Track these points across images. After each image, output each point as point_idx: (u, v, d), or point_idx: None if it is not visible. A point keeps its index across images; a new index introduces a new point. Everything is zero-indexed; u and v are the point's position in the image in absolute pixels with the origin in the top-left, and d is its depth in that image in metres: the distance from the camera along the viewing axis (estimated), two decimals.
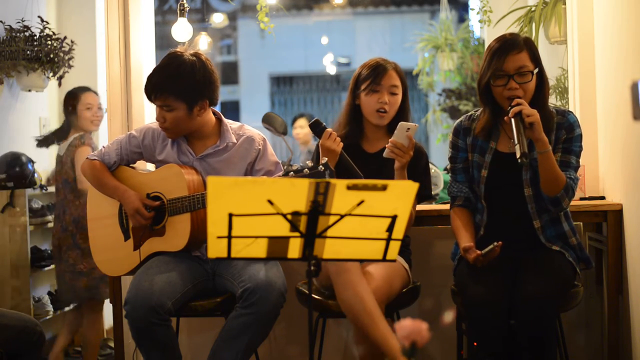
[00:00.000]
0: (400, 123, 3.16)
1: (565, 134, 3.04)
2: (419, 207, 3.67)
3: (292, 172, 2.92)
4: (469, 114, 3.22)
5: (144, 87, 3.24)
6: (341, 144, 3.18)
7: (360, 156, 3.30)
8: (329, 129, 3.21)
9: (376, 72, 3.31)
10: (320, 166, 2.86)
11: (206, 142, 3.30)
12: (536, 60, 3.03)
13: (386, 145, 3.17)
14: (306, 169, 2.88)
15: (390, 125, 3.35)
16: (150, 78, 3.21)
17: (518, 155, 2.81)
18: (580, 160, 3.08)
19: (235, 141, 3.29)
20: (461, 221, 3.13)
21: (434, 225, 3.62)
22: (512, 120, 2.88)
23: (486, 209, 3.11)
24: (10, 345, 3.01)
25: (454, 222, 3.16)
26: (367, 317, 2.91)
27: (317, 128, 3.22)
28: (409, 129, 3.14)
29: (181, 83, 3.14)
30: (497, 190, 3.10)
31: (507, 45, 3.01)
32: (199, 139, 3.30)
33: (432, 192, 3.78)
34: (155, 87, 3.17)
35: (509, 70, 2.99)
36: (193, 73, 3.16)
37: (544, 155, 2.90)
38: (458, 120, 3.23)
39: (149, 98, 3.23)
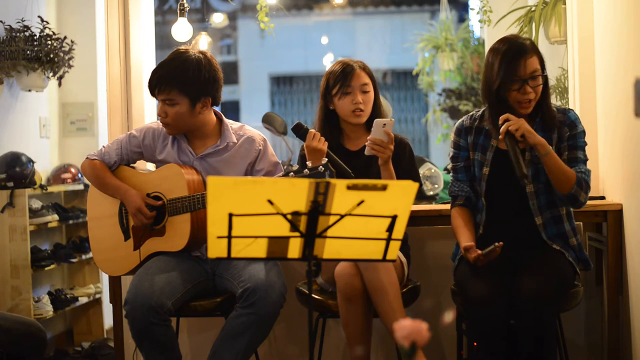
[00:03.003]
0: (375, 120, 3.18)
1: (569, 131, 3.06)
2: (419, 207, 3.68)
3: (292, 173, 2.92)
4: (471, 113, 3.23)
5: (147, 81, 3.24)
6: (326, 143, 3.18)
7: (344, 155, 3.30)
8: (312, 130, 3.21)
9: (344, 74, 3.32)
10: (320, 167, 2.86)
11: (206, 142, 3.30)
12: (543, 63, 3.06)
13: (366, 143, 3.18)
14: (306, 170, 2.88)
15: (368, 123, 3.36)
16: (155, 72, 3.22)
17: (519, 177, 2.87)
18: None
19: (236, 141, 3.29)
20: (462, 220, 3.13)
21: (434, 225, 3.62)
22: (507, 142, 2.93)
23: (486, 207, 3.11)
24: (12, 348, 3.02)
25: (454, 221, 3.16)
26: (387, 303, 2.99)
27: (299, 131, 3.22)
28: (385, 124, 3.15)
29: (186, 77, 3.16)
30: (499, 188, 3.11)
31: (519, 49, 3.00)
32: (199, 139, 3.30)
33: (432, 193, 3.77)
34: (160, 80, 3.17)
35: (524, 75, 3.00)
36: (199, 69, 3.17)
37: (546, 157, 2.93)
38: (460, 120, 3.24)
39: (152, 92, 3.23)
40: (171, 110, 3.18)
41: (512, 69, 2.99)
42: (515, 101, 3.03)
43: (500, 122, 2.96)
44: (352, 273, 3.05)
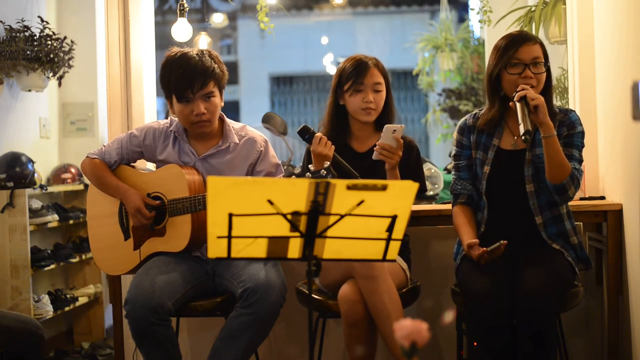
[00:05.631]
0: (385, 126, 3.14)
1: (567, 131, 3.06)
2: (419, 207, 3.67)
3: (294, 175, 2.91)
4: (474, 112, 3.23)
5: (174, 88, 3.18)
6: (333, 147, 3.14)
7: (350, 156, 3.27)
8: (319, 134, 3.17)
9: (358, 71, 3.28)
10: (323, 170, 2.85)
11: (208, 142, 3.30)
12: (546, 56, 3.07)
13: (374, 148, 3.16)
14: (308, 173, 2.87)
15: (377, 122, 3.34)
16: (182, 76, 3.16)
17: (522, 132, 2.83)
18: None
19: (238, 142, 3.29)
20: (464, 218, 3.13)
21: (434, 225, 3.62)
22: (517, 104, 2.90)
23: (487, 206, 3.11)
24: (10, 347, 3.02)
25: (456, 219, 3.16)
26: (390, 326, 2.91)
27: (305, 134, 3.18)
28: (395, 130, 3.12)
29: (214, 68, 3.20)
30: (499, 187, 3.11)
31: (522, 36, 3.05)
32: (201, 139, 3.29)
33: (432, 192, 3.77)
34: (200, 76, 3.16)
35: (525, 59, 3.01)
36: (217, 61, 3.24)
37: (549, 140, 2.91)
38: (463, 119, 3.25)
39: (189, 92, 3.15)
40: (211, 104, 3.20)
41: (513, 53, 3.01)
42: (513, 87, 3.00)
43: (517, 90, 2.93)
44: (355, 300, 3.02)
